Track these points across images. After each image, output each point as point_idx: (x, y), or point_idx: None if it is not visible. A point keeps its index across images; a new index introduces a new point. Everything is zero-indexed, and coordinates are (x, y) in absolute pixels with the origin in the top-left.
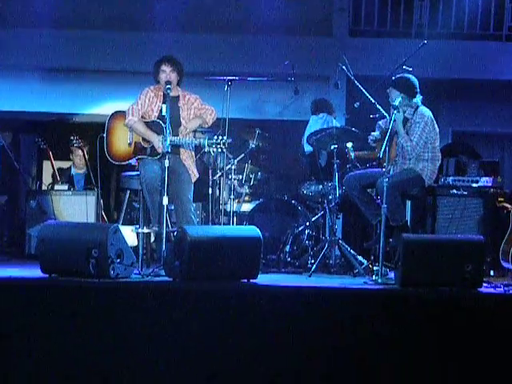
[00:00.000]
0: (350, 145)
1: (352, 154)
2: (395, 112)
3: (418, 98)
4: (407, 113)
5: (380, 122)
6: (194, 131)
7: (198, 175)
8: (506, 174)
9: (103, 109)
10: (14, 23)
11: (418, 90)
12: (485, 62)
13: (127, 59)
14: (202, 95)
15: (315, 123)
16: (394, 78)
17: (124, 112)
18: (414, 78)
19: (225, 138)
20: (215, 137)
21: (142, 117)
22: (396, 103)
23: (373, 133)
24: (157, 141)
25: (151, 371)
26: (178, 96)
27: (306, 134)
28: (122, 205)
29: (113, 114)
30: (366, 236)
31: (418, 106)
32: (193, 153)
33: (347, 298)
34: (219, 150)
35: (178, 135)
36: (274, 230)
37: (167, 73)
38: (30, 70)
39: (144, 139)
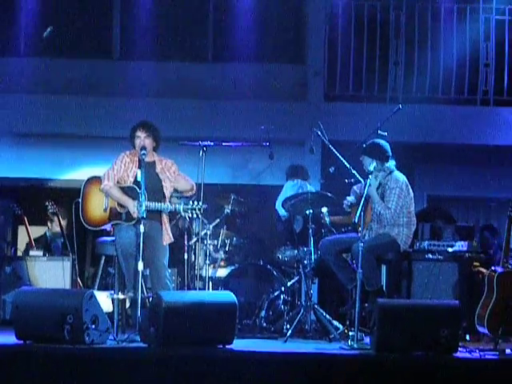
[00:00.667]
0: (325, 210)
1: (327, 219)
2: (370, 177)
3: (391, 163)
4: (381, 177)
5: (355, 187)
6: (170, 197)
7: (172, 239)
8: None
9: (79, 174)
10: None
11: (390, 154)
12: (460, 126)
13: (103, 124)
14: (177, 160)
15: (290, 188)
16: (364, 145)
17: (99, 177)
18: (384, 142)
19: (200, 203)
20: (190, 202)
21: (117, 182)
22: (371, 168)
23: (348, 197)
24: (132, 206)
25: None
26: (154, 162)
27: (280, 199)
28: (98, 270)
29: (88, 179)
30: (341, 301)
31: (391, 171)
32: (166, 217)
33: (323, 363)
34: (194, 215)
35: (156, 201)
36: (250, 295)
37: (142, 138)
38: (4, 135)
39: (119, 204)
